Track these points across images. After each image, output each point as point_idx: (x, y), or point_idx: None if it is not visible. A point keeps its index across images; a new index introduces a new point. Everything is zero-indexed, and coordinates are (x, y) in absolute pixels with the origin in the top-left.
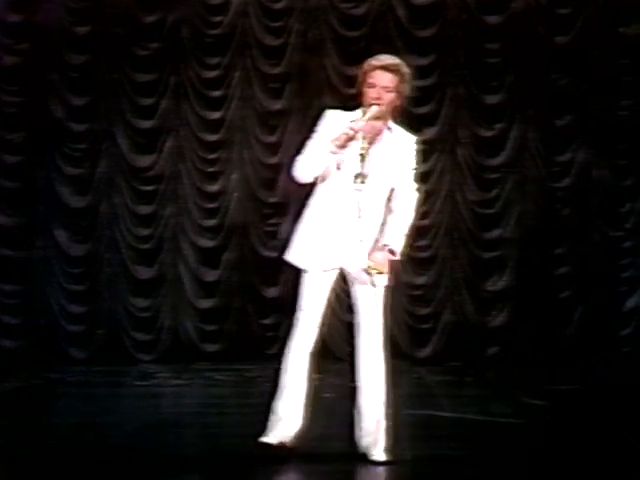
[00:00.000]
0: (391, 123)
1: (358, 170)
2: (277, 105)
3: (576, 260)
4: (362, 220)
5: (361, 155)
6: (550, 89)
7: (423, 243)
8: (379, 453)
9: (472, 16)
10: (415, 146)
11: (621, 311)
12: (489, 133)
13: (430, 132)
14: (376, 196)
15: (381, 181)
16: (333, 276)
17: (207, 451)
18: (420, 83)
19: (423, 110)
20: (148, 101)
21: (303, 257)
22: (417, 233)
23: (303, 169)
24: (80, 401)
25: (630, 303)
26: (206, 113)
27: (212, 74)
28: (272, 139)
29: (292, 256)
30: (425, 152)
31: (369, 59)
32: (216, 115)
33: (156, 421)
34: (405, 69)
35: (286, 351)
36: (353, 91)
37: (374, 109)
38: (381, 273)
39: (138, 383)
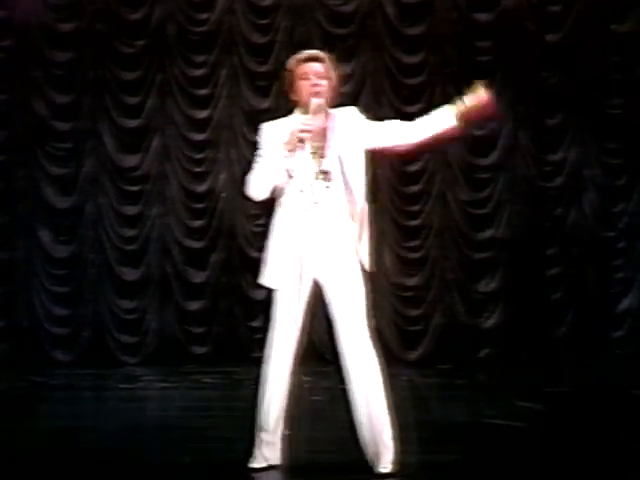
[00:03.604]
0: (331, 110)
1: (317, 169)
2: (265, 103)
3: (568, 261)
4: (324, 218)
5: (314, 154)
6: (541, 87)
7: (414, 244)
8: (383, 465)
9: (462, 14)
10: (358, 112)
11: (614, 313)
12: (480, 132)
13: None
14: (338, 189)
15: (339, 171)
16: (307, 288)
17: (193, 455)
18: (409, 81)
19: (412, 109)
20: (133, 99)
21: (277, 277)
22: (407, 234)
23: (256, 187)
24: (64, 404)
25: (623, 305)
26: (193, 112)
27: (198, 72)
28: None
29: (267, 279)
30: (415, 152)
31: (290, 58)
32: (203, 114)
33: (141, 424)
34: (328, 57)
35: (263, 364)
36: (342, 89)
37: (315, 102)
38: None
39: (123, 386)
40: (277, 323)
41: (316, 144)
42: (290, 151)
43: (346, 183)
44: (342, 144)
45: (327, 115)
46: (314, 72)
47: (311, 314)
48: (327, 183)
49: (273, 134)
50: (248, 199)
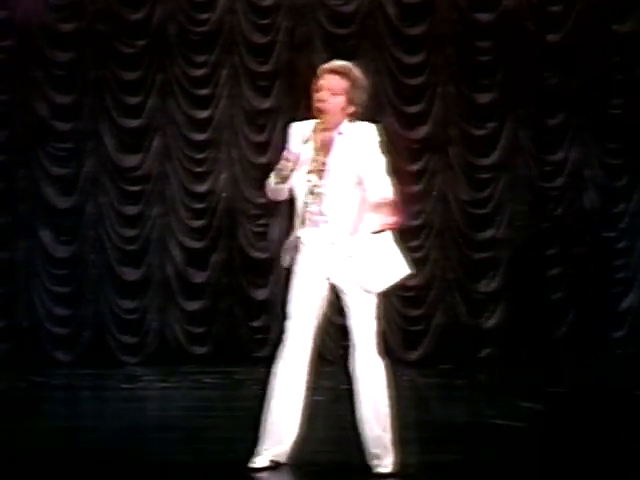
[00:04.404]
0: (344, 126)
1: (313, 184)
2: (265, 103)
3: (569, 261)
4: (328, 228)
5: (313, 171)
6: (542, 87)
7: (415, 244)
8: (384, 465)
9: (463, 14)
10: (375, 134)
11: (614, 313)
12: (480, 132)
13: (421, 131)
14: (338, 202)
15: (340, 188)
16: (324, 285)
17: (194, 455)
18: (410, 82)
19: (414, 109)
20: (134, 99)
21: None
22: (408, 234)
23: (270, 193)
24: (65, 404)
25: (624, 304)
26: (193, 112)
27: (199, 72)
28: (261, 138)
29: (284, 260)
30: (416, 152)
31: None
32: (204, 114)
33: (142, 424)
34: (357, 74)
35: (275, 363)
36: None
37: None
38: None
39: (124, 386)
40: (292, 322)
41: (318, 161)
42: (281, 180)
43: (341, 197)
44: (343, 162)
45: (336, 131)
46: (328, 86)
47: (325, 321)
48: (318, 201)
49: (298, 134)
50: (256, 202)
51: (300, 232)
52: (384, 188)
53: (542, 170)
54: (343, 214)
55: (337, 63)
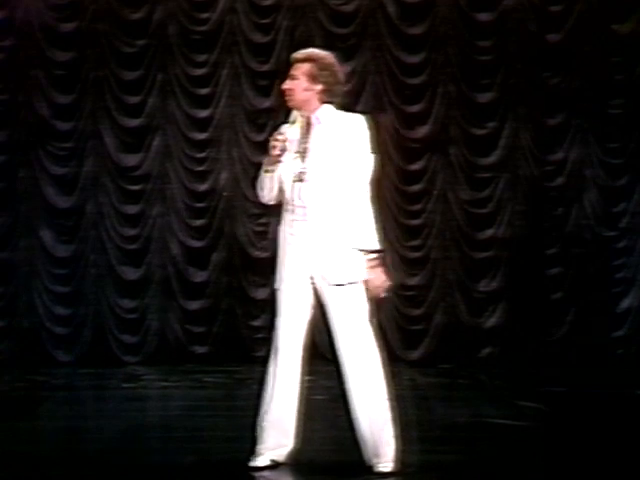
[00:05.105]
0: (322, 112)
1: (297, 169)
2: (266, 103)
3: (569, 260)
4: (309, 220)
5: (299, 152)
6: (542, 87)
7: (415, 243)
8: (384, 464)
9: (463, 13)
10: (363, 127)
11: (614, 313)
12: (481, 132)
13: (421, 131)
14: (319, 190)
15: (321, 172)
16: (309, 284)
17: (194, 455)
18: (411, 81)
19: (414, 109)
20: (134, 99)
21: (280, 279)
22: (409, 233)
23: (261, 192)
24: (66, 404)
25: (624, 304)
26: (194, 111)
27: (200, 72)
28: (261, 137)
29: (276, 283)
30: (417, 151)
31: None
32: (204, 113)
33: (143, 424)
34: (318, 56)
35: (270, 361)
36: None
37: (293, 114)
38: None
39: (124, 385)
40: (282, 320)
41: (302, 145)
42: (272, 164)
43: (322, 182)
44: (323, 149)
45: (311, 117)
46: (288, 75)
47: (314, 316)
48: (304, 185)
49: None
50: (257, 201)
51: (287, 229)
52: (366, 235)
53: (542, 170)
54: (323, 202)
55: (299, 52)
